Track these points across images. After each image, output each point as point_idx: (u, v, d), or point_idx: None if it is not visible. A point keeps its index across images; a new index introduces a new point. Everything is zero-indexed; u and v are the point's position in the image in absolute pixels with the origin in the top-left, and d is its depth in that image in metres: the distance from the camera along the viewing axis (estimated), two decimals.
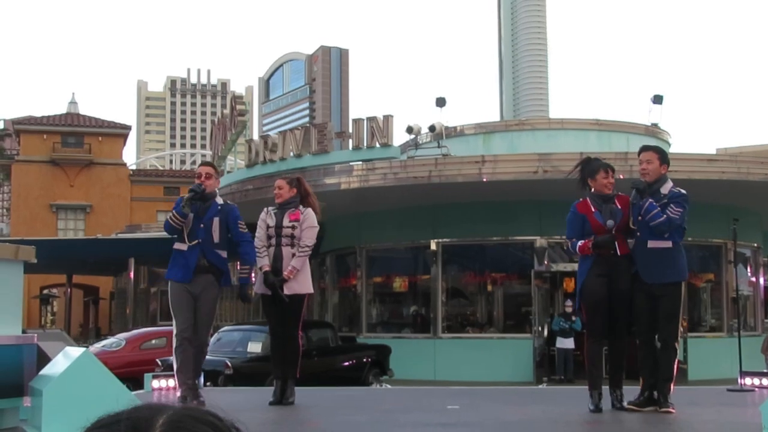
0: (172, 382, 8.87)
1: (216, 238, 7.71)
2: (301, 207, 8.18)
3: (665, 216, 6.97)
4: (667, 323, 7.00)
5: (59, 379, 5.20)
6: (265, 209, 8.22)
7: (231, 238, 7.80)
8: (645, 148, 7.25)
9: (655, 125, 27.44)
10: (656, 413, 7.02)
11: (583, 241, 7.22)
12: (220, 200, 7.92)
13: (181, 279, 7.67)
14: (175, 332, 7.64)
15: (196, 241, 7.65)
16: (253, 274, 8.09)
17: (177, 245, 7.74)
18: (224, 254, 7.77)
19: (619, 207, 7.25)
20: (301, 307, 8.07)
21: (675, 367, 7.13)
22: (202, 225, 7.67)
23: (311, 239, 8.14)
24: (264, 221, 8.09)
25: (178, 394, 7.73)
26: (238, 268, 7.94)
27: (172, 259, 7.77)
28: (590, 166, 7.55)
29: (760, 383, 8.94)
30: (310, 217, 8.17)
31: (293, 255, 7.97)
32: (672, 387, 7.05)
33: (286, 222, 8.06)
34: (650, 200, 7.01)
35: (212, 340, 16.48)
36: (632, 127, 26.86)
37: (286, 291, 7.89)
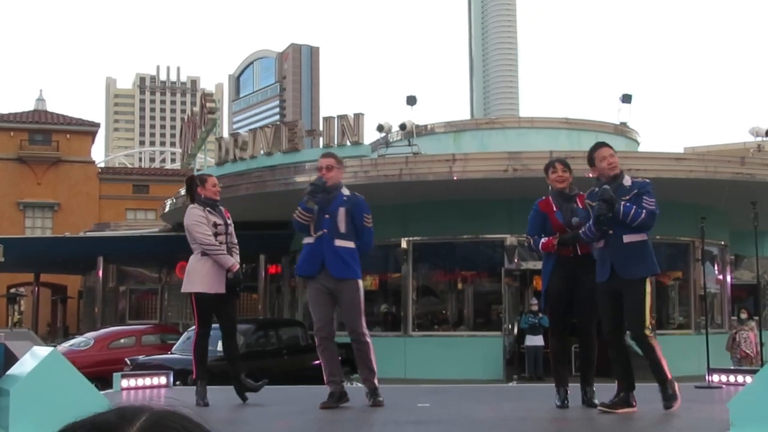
0: (141, 382, 8.82)
1: (342, 228, 7.54)
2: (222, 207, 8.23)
3: (644, 210, 6.88)
4: (636, 320, 6.99)
5: (27, 378, 5.15)
6: (197, 207, 7.99)
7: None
8: (602, 144, 7.15)
9: (624, 124, 27.64)
10: (626, 411, 7.07)
11: (546, 239, 7.23)
12: (346, 191, 7.74)
13: (307, 273, 7.59)
14: (314, 330, 7.68)
15: (321, 232, 7.51)
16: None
17: (305, 239, 7.66)
18: (351, 244, 7.58)
19: (581, 206, 7.21)
20: None
21: (662, 362, 7.15)
22: (327, 215, 7.53)
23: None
24: (206, 218, 7.91)
25: (329, 390, 7.61)
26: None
27: (301, 253, 7.76)
28: (547, 163, 7.58)
29: (727, 380, 9.04)
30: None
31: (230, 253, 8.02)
32: (674, 385, 6.94)
33: (228, 220, 8.12)
34: (622, 202, 6.83)
35: (182, 338, 16.41)
36: (601, 126, 27.05)
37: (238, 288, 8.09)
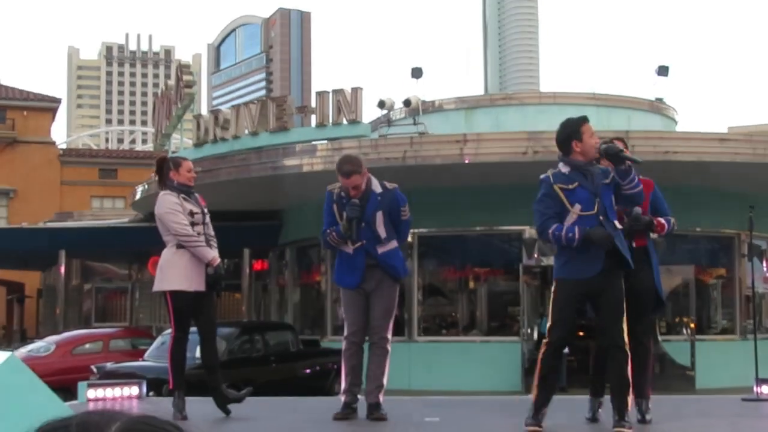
0: (110, 392, 8.82)
1: (382, 233, 7.63)
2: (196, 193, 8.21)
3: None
4: (619, 321, 6.80)
5: None
6: (170, 194, 7.93)
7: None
8: (585, 119, 7.10)
9: (660, 100, 27.63)
10: (662, 426, 7.08)
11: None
12: (378, 187, 7.72)
13: (350, 284, 7.70)
14: (344, 335, 7.77)
15: (360, 243, 7.59)
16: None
17: (346, 248, 7.72)
18: (393, 245, 7.69)
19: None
20: None
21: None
22: (363, 224, 7.57)
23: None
24: (181, 206, 7.87)
25: (342, 399, 7.68)
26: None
27: (338, 260, 7.82)
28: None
29: None
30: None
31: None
32: (629, 401, 6.71)
33: (204, 208, 8.10)
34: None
35: (156, 344, 16.45)
36: (634, 102, 27.03)
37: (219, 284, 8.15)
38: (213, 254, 7.90)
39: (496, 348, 21.21)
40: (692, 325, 21.44)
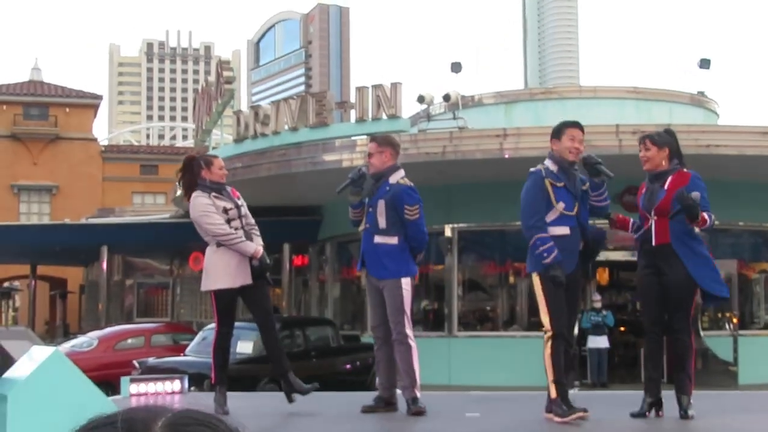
0: (152, 387, 8.90)
1: (382, 223, 7.70)
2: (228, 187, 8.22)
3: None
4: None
5: (26, 382, 5.21)
6: (201, 195, 7.93)
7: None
8: (577, 124, 7.50)
9: (701, 93, 27.41)
10: (704, 421, 7.04)
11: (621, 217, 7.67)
12: (395, 178, 7.80)
13: (359, 267, 8.03)
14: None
15: (366, 227, 7.81)
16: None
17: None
18: (394, 240, 7.70)
19: (665, 188, 7.27)
20: None
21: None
22: (370, 209, 7.75)
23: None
24: (214, 205, 7.88)
25: (377, 393, 7.95)
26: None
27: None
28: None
29: None
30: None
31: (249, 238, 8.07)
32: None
33: (239, 201, 8.13)
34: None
35: (197, 339, 16.57)
36: (675, 96, 26.82)
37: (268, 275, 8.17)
38: (254, 247, 7.90)
39: (536, 343, 21.10)
40: (735, 320, 21.28)
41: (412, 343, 7.72)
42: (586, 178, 7.24)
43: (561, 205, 7.07)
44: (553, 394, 7.01)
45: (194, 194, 7.99)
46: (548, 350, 7.06)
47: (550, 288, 7.03)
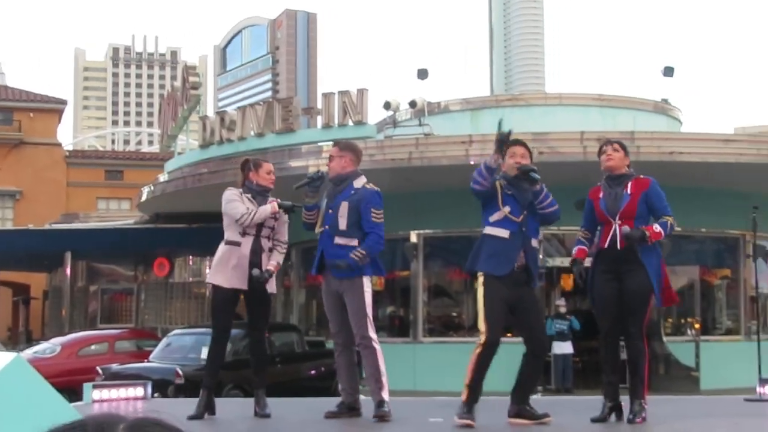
0: (115, 393, 8.86)
1: (343, 224, 7.70)
2: (272, 197, 8.27)
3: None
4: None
5: None
6: (231, 189, 8.17)
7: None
8: (520, 142, 7.57)
9: (665, 101, 27.66)
10: (665, 426, 7.10)
11: (577, 249, 7.66)
12: (359, 183, 7.85)
13: (312, 271, 8.05)
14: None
15: (323, 228, 7.82)
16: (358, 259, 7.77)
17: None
18: (355, 242, 7.68)
19: (629, 192, 7.36)
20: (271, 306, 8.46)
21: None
22: (330, 210, 7.77)
23: (286, 236, 8.34)
24: (240, 199, 8.04)
25: (340, 399, 7.88)
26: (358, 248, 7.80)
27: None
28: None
29: None
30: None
31: (270, 250, 8.13)
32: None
33: (275, 213, 8.21)
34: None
35: (161, 345, 16.49)
36: (639, 103, 27.05)
37: (268, 289, 8.16)
38: (271, 207, 8.02)
39: (500, 349, 21.18)
40: (697, 326, 21.46)
41: (377, 345, 7.71)
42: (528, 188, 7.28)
43: (507, 209, 7.18)
44: (464, 397, 7.17)
45: (228, 189, 8.19)
46: (475, 356, 7.22)
47: (491, 293, 7.14)
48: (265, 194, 8.18)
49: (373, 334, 7.71)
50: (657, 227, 7.19)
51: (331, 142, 21.88)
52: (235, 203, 7.98)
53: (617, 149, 7.52)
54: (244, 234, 7.98)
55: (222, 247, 8.05)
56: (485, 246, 7.24)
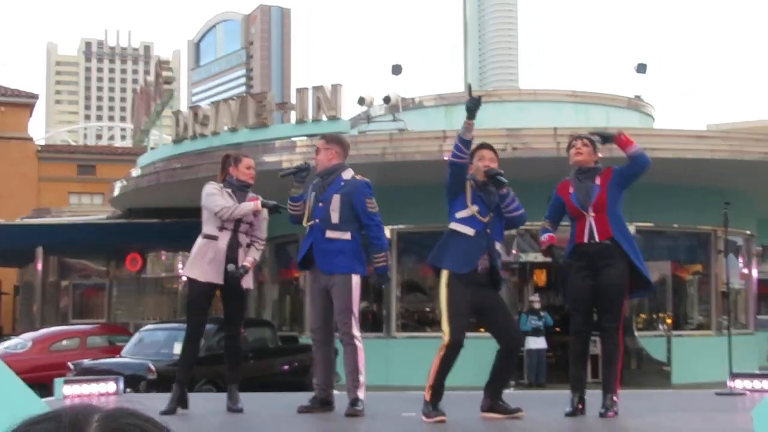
0: (86, 388, 8.80)
1: (335, 218, 7.63)
2: (252, 194, 8.24)
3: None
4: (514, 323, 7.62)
5: None
6: (212, 183, 8.13)
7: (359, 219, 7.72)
8: (487, 146, 7.56)
9: (638, 97, 27.78)
10: (636, 420, 7.14)
11: (546, 236, 7.70)
12: (348, 174, 7.83)
13: (299, 266, 7.93)
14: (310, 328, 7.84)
15: (312, 222, 7.70)
16: (384, 262, 7.86)
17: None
18: (347, 236, 7.64)
19: (599, 184, 7.41)
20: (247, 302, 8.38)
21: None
22: (320, 204, 7.67)
23: (265, 233, 8.31)
24: (221, 193, 8.01)
25: (313, 394, 7.85)
26: (373, 256, 7.81)
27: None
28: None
29: (752, 386, 9.11)
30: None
31: (248, 246, 8.10)
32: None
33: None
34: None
35: (133, 340, 16.44)
36: (612, 100, 27.17)
37: (243, 285, 8.08)
38: (253, 204, 7.97)
39: (473, 344, 21.14)
40: (669, 321, 21.58)
41: (359, 343, 7.68)
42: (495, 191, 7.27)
43: (475, 208, 7.17)
44: (427, 397, 7.12)
45: (209, 183, 8.16)
46: (439, 357, 7.20)
47: (454, 293, 7.18)
48: (245, 189, 8.15)
49: (357, 332, 7.68)
50: (629, 138, 7.40)
51: (305, 137, 21.89)
52: (215, 197, 7.96)
53: (586, 143, 7.56)
54: (221, 228, 7.94)
55: (199, 241, 8.03)
56: (450, 242, 7.25)
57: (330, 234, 7.61)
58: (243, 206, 7.93)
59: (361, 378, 7.62)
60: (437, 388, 7.14)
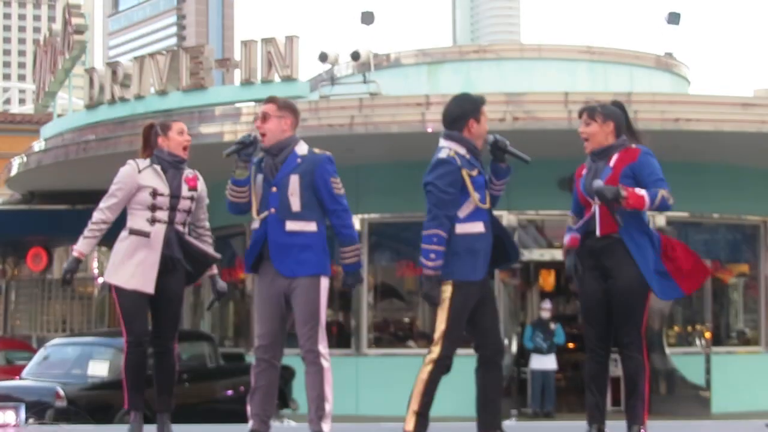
0: None
1: (296, 205, 7.30)
2: (190, 170, 8.15)
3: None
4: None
5: None
6: (130, 163, 8.01)
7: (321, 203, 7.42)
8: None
9: (669, 55, 27.81)
10: None
11: (569, 236, 7.72)
12: (302, 149, 7.45)
13: (247, 268, 7.55)
14: (254, 347, 7.50)
15: (267, 213, 7.35)
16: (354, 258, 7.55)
17: (252, 223, 7.54)
18: (312, 226, 7.36)
19: (610, 165, 7.40)
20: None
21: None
22: (274, 188, 7.32)
23: (207, 221, 8.30)
24: (138, 182, 7.90)
25: (249, 425, 7.48)
26: (340, 250, 7.52)
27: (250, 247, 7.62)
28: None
29: None
30: (205, 187, 8.29)
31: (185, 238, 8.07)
32: None
33: (184, 190, 8.05)
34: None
35: (37, 358, 16.37)
36: (638, 57, 27.13)
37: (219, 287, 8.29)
38: (77, 252, 7.87)
39: (463, 363, 21.26)
40: (707, 335, 21.64)
41: (326, 363, 7.39)
42: (491, 163, 7.29)
43: (477, 197, 7.12)
44: (409, 426, 7.07)
45: (128, 162, 8.03)
46: (426, 374, 7.13)
47: (461, 303, 7.08)
48: (179, 166, 8.07)
49: (324, 348, 7.40)
50: (640, 191, 7.12)
51: (252, 103, 21.83)
52: (114, 192, 7.92)
53: (588, 122, 7.51)
54: (153, 221, 7.86)
55: (125, 237, 7.92)
56: (460, 247, 7.06)
57: (291, 226, 7.31)
58: (83, 244, 7.93)
59: (327, 407, 7.42)
60: (424, 414, 7.10)
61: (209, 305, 8.46)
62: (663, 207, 7.22)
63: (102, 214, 7.92)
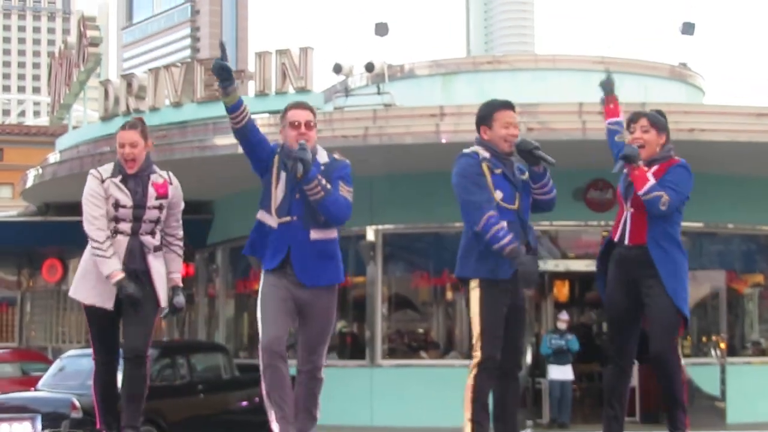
0: None
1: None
2: (162, 173, 7.89)
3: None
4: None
5: None
6: (97, 174, 7.70)
7: None
8: (508, 105, 7.24)
9: (684, 65, 27.79)
10: None
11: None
12: (324, 156, 7.31)
13: (270, 266, 7.20)
14: (261, 346, 7.07)
15: (289, 219, 7.11)
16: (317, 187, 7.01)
17: (261, 214, 7.28)
18: (333, 234, 7.23)
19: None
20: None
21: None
22: (298, 195, 7.07)
23: (181, 229, 8.06)
24: (102, 195, 7.62)
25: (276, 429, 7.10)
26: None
27: (254, 229, 7.35)
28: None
29: None
30: (179, 192, 8.02)
31: (156, 250, 7.82)
32: None
33: (151, 199, 7.77)
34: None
35: (52, 370, 16.41)
36: (652, 68, 27.13)
37: (163, 303, 7.82)
38: (111, 268, 7.50)
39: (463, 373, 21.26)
40: (722, 345, 21.57)
41: (323, 376, 7.38)
42: (524, 166, 7.17)
43: (499, 195, 6.96)
44: None
45: (90, 173, 7.77)
46: (472, 379, 6.97)
47: (490, 301, 6.96)
48: (140, 174, 7.76)
49: (324, 362, 7.37)
50: (651, 177, 7.17)
51: (267, 114, 21.84)
52: (91, 206, 7.62)
53: (648, 129, 7.41)
54: (115, 233, 7.62)
55: (87, 251, 7.71)
56: (484, 246, 6.93)
57: (315, 235, 7.12)
58: (105, 264, 7.47)
59: (318, 414, 7.38)
60: (480, 421, 6.97)
61: (163, 316, 7.99)
62: (651, 204, 7.14)
63: (99, 231, 7.57)
